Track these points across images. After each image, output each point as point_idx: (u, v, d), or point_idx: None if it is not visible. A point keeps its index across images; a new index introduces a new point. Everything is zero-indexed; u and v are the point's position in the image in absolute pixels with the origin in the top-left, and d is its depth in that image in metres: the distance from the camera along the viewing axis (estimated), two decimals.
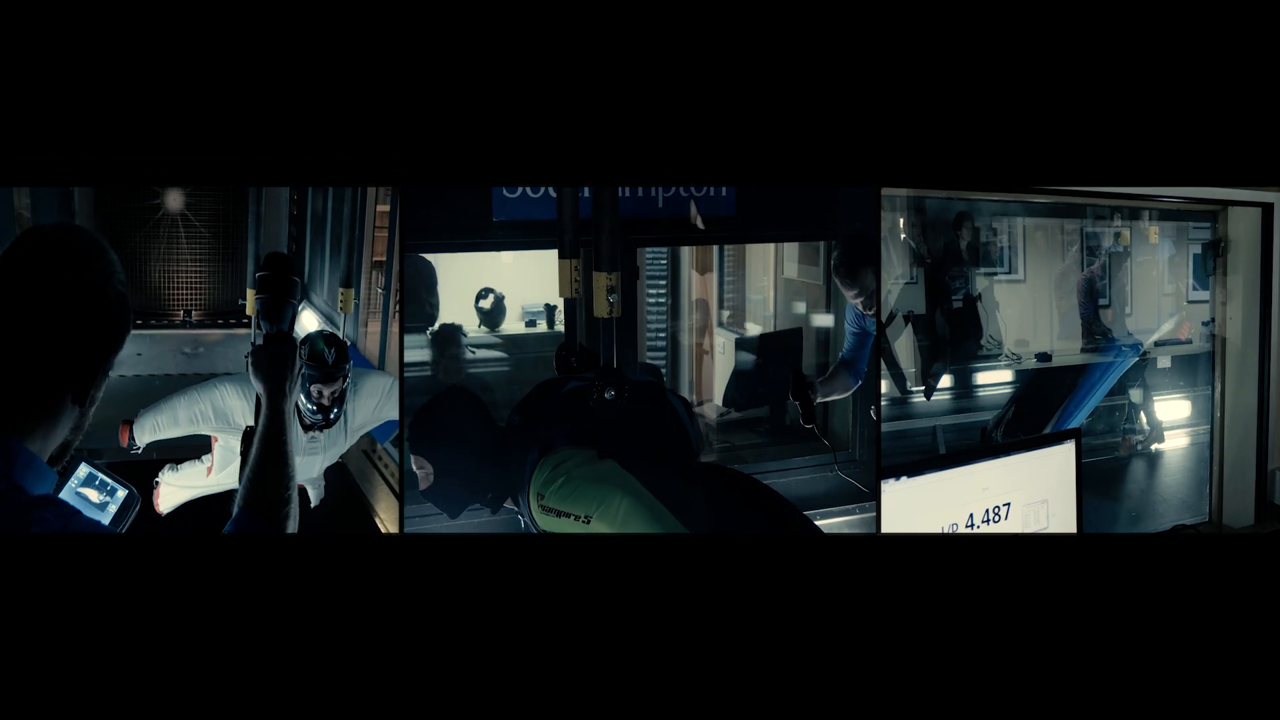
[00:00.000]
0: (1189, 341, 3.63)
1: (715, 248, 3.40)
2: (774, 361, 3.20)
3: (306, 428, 2.71)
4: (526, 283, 3.48)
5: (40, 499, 1.21)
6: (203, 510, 2.95)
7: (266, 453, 1.46)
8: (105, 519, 1.51)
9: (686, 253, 3.33)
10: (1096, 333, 3.51)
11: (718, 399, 3.31)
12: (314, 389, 2.56)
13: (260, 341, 1.64)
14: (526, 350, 3.34)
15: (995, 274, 3.43)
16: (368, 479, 3.28)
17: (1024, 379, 3.42)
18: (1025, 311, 3.50)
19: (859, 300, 2.75)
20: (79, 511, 1.25)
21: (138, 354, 3.65)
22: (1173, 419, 3.59)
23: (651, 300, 3.20)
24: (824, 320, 3.25)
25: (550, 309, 3.48)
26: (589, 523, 2.15)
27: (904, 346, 3.08)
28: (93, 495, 1.52)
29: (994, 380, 3.42)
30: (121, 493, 1.53)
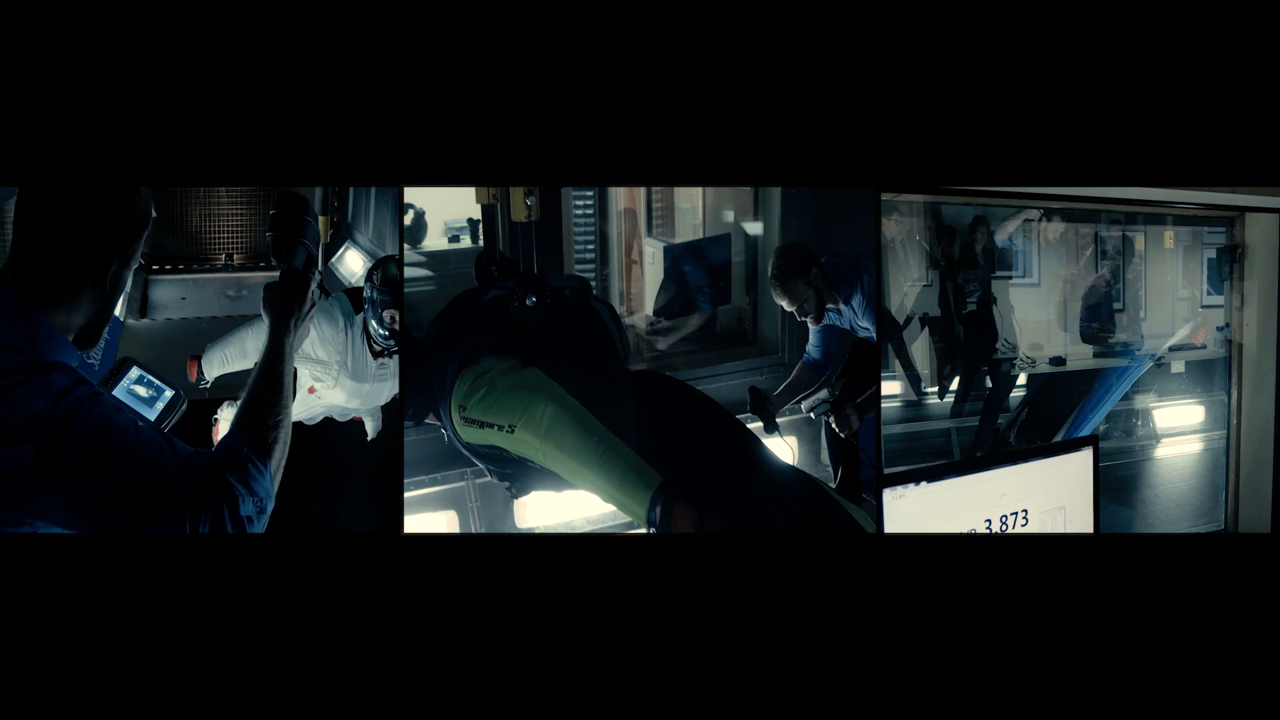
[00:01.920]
0: (1203, 347, 3.62)
1: None
2: (704, 268, 3.18)
3: (376, 354, 2.73)
4: (448, 196, 3.41)
5: (54, 363, 1.32)
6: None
7: (264, 380, 1.54)
8: (152, 414, 1.64)
9: None
10: (1098, 346, 3.51)
11: (649, 308, 3.28)
12: (386, 314, 2.58)
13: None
14: (449, 267, 3.29)
15: (1010, 278, 3.43)
16: None
17: (1037, 382, 3.42)
18: (1040, 315, 3.50)
19: (794, 310, 2.72)
20: (90, 382, 1.36)
21: (181, 298, 3.69)
22: (1186, 424, 3.59)
23: (579, 212, 3.14)
24: (753, 227, 3.21)
25: (474, 223, 3.28)
26: (513, 431, 2.09)
27: (919, 349, 3.08)
28: (142, 391, 1.66)
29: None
30: (169, 392, 1.67)
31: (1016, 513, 2.23)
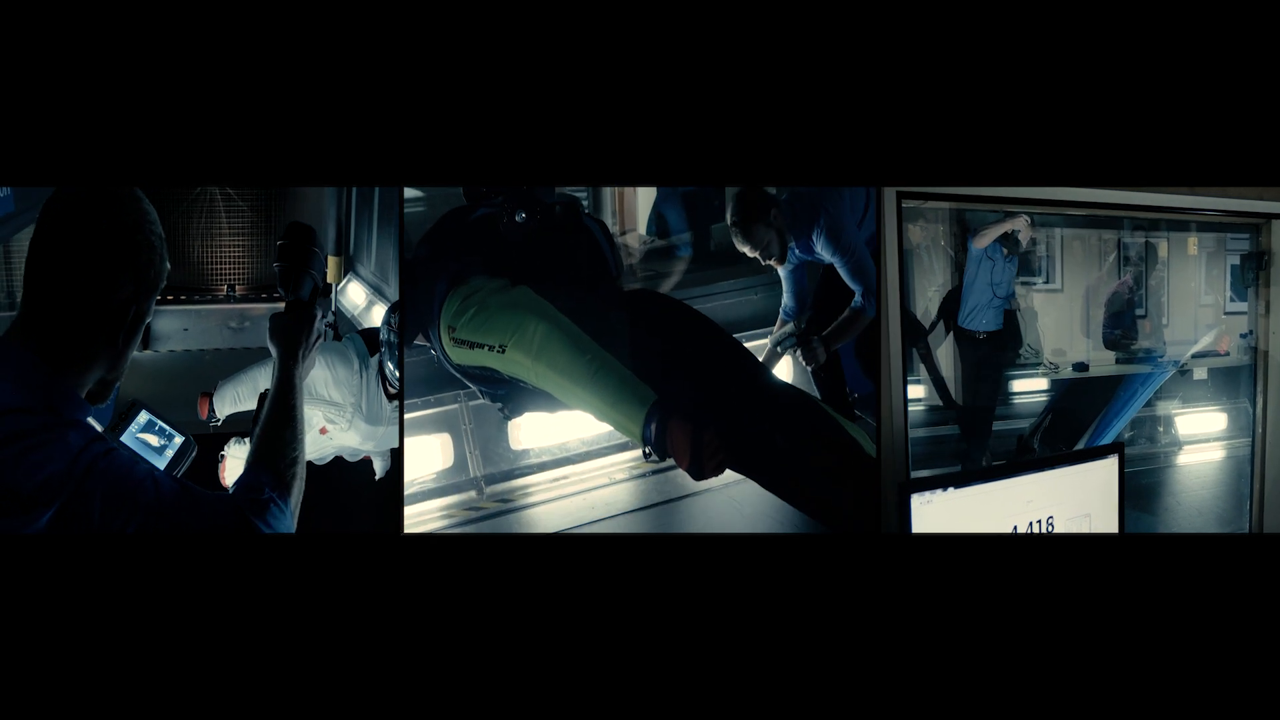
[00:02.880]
0: (1227, 354, 3.62)
1: None
2: (697, 186, 3.12)
3: (391, 397, 2.69)
4: None
5: (69, 421, 1.29)
6: None
7: (277, 413, 1.51)
8: (162, 463, 1.63)
9: None
10: (1121, 353, 3.51)
11: (641, 228, 3.24)
12: None
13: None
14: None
15: (1034, 283, 3.44)
16: None
17: (1060, 388, 3.43)
18: (1063, 321, 3.51)
19: (757, 254, 2.60)
20: (103, 436, 1.33)
21: (184, 329, 3.68)
22: (1209, 431, 3.59)
23: None
24: None
25: None
26: (504, 351, 2.05)
27: (944, 355, 3.09)
28: (152, 440, 1.64)
29: (1031, 388, 3.43)
30: (179, 439, 1.66)
31: (1042, 519, 2.25)
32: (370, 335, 2.74)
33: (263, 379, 2.69)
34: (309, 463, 2.82)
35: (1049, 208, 3.13)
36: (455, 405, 2.69)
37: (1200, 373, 3.66)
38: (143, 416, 1.65)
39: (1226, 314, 3.67)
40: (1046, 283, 3.50)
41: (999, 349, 3.21)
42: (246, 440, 2.85)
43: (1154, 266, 3.61)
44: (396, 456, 2.83)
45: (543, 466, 2.80)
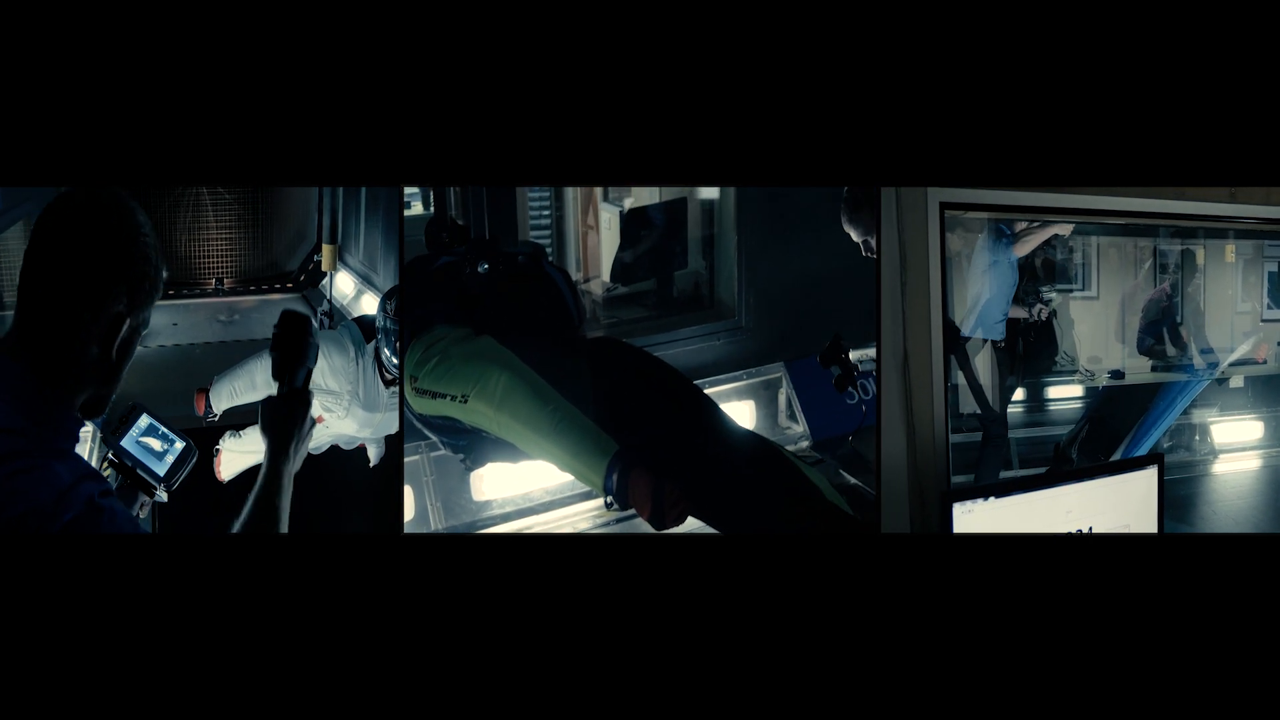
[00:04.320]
0: (1264, 362, 3.61)
1: None
2: (660, 234, 3.13)
3: (388, 383, 2.68)
4: None
5: (57, 450, 1.26)
6: None
7: (259, 512, 1.45)
8: (162, 469, 1.60)
9: None
10: (1158, 361, 3.50)
11: (605, 275, 3.22)
12: (400, 343, 2.49)
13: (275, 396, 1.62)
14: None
15: (1070, 291, 3.45)
16: None
17: (1097, 396, 3.43)
18: (1098, 328, 3.51)
19: (861, 241, 2.52)
20: (98, 475, 1.30)
21: (173, 324, 3.67)
22: (1246, 440, 3.58)
23: None
24: (709, 191, 3.14)
25: (425, 190, 3.21)
26: (466, 402, 2.03)
27: (982, 361, 3.11)
28: (154, 444, 1.60)
29: (1067, 395, 3.44)
30: (180, 444, 1.62)
31: (1081, 529, 2.26)
32: (365, 322, 2.72)
33: (259, 373, 2.68)
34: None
35: (1087, 216, 3.14)
36: (416, 456, 2.66)
37: (1237, 381, 3.65)
38: (143, 420, 1.61)
39: (1264, 321, 3.66)
40: (1083, 290, 3.50)
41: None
42: (241, 434, 2.90)
43: (1191, 274, 3.61)
44: (394, 444, 2.81)
45: (506, 517, 2.76)
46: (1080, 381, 3.41)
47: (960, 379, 3.02)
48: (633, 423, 2.04)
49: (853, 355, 2.55)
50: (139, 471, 1.61)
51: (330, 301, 3.59)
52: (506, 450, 2.15)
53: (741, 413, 2.98)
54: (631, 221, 3.14)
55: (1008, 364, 3.17)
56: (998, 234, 3.07)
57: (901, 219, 2.33)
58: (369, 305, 3.38)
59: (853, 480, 2.84)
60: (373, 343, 2.66)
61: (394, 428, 2.80)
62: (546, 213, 3.15)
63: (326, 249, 3.59)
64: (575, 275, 3.15)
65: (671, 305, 3.17)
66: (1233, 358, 3.56)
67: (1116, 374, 3.44)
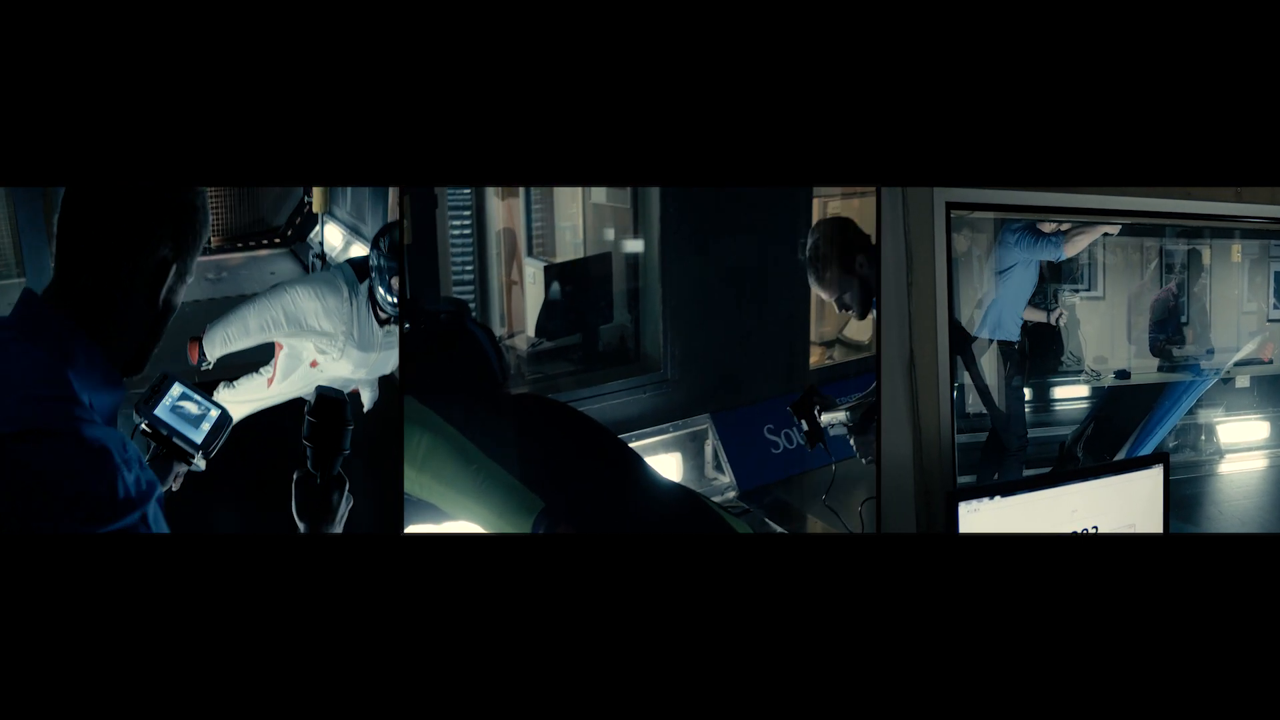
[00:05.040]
0: (1270, 362, 3.61)
1: None
2: (585, 288, 3.12)
3: (382, 322, 2.68)
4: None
5: (104, 432, 1.19)
6: (266, 422, 2.85)
7: None
8: (199, 436, 1.58)
9: None
10: (1165, 360, 3.50)
11: (530, 330, 3.19)
12: (395, 280, 2.53)
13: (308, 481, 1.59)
14: None
15: (1076, 291, 3.45)
16: None
17: (1102, 395, 3.43)
18: (1104, 328, 3.51)
19: (833, 301, 2.44)
20: (153, 478, 1.24)
21: None
22: (1252, 440, 3.58)
23: (455, 232, 3.03)
24: (634, 245, 3.14)
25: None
26: None
27: (988, 361, 3.11)
28: (192, 408, 1.59)
29: (1072, 395, 3.44)
30: (214, 410, 1.61)
31: (1087, 529, 2.27)
32: (358, 263, 2.72)
33: (252, 318, 2.66)
34: (302, 399, 2.81)
35: (1094, 216, 3.14)
36: None
37: (1243, 380, 3.65)
38: (176, 389, 1.59)
39: (1270, 321, 3.66)
40: (1089, 290, 3.50)
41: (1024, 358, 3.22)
42: (235, 384, 2.89)
43: (1197, 274, 3.61)
44: (387, 386, 2.80)
45: None
46: (1086, 381, 3.41)
47: (966, 379, 3.03)
48: (558, 479, 2.02)
49: (825, 418, 2.49)
50: (174, 440, 1.59)
51: (321, 245, 3.59)
52: (429, 511, 2.12)
53: (669, 465, 2.97)
54: (555, 276, 3.14)
55: (1015, 365, 3.17)
56: (1035, 234, 3.06)
57: (907, 219, 2.34)
58: (358, 254, 3.33)
59: (779, 529, 2.84)
60: (366, 282, 2.66)
61: (388, 368, 2.81)
62: (470, 268, 3.12)
63: (317, 191, 3.56)
64: (499, 330, 3.13)
65: (597, 359, 3.14)
66: (1238, 357, 3.56)
67: (1122, 374, 3.44)
